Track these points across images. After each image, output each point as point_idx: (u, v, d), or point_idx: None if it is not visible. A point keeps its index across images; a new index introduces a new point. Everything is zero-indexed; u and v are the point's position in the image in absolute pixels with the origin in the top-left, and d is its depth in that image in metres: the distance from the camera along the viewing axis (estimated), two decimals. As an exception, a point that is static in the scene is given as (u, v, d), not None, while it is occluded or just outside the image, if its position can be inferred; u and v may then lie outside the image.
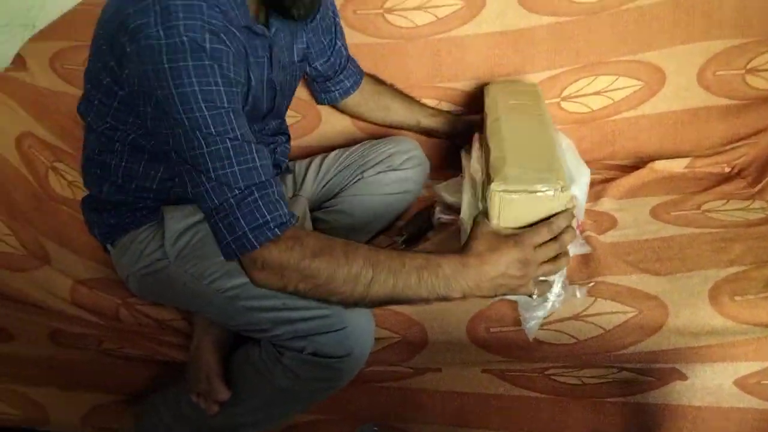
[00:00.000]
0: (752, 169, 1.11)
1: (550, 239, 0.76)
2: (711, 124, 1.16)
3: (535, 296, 0.79)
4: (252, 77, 0.85)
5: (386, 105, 1.19)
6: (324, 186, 1.12)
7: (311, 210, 1.09)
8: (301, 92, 1.21)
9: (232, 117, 0.75)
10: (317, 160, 1.14)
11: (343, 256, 0.75)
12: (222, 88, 0.74)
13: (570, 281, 0.89)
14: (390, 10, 1.20)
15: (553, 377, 0.95)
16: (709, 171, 1.15)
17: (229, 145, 0.74)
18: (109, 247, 0.99)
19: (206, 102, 0.73)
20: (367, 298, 0.76)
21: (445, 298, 0.76)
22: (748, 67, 1.15)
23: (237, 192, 0.74)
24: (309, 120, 1.24)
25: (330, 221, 1.07)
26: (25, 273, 0.97)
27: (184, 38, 0.71)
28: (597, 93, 1.20)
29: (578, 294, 0.86)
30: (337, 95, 1.15)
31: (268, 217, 0.74)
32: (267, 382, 0.86)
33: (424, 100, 1.23)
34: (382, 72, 1.21)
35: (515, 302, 0.87)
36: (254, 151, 0.76)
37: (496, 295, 0.78)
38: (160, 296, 0.97)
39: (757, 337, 0.84)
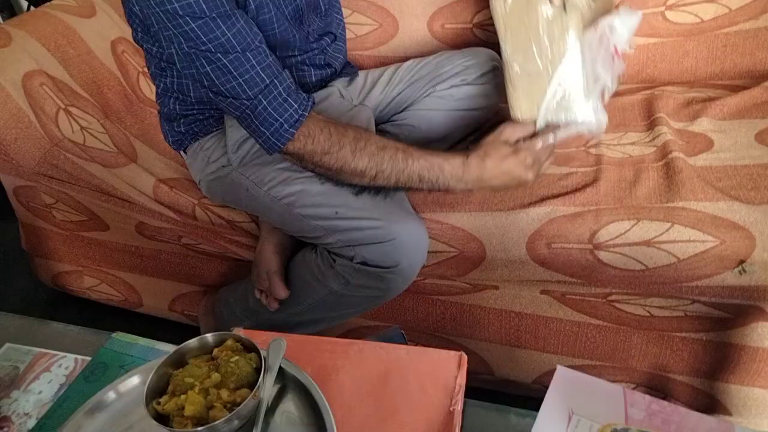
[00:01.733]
0: None
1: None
2: None
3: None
4: None
5: None
6: (394, 98, 1.08)
7: (381, 122, 1.07)
8: (377, -2, 1.17)
9: (220, 23, 0.75)
10: (391, 69, 1.09)
11: (351, 153, 0.81)
12: None
13: (644, 206, 0.82)
14: None
15: (616, 304, 0.90)
16: (840, 95, 0.98)
17: (225, 60, 0.77)
18: (182, 153, 1.04)
19: (189, 16, 0.74)
20: (374, 186, 0.84)
21: (447, 190, 0.84)
22: None
23: (247, 102, 0.80)
24: (385, 28, 1.20)
25: (398, 135, 1.03)
26: (115, 169, 1.05)
27: None
28: (710, 0, 1.05)
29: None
30: None
31: (281, 120, 0.80)
32: (321, 284, 0.89)
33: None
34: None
35: (577, 218, 0.82)
36: (250, 54, 0.78)
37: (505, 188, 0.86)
38: (227, 200, 1.02)
39: None
